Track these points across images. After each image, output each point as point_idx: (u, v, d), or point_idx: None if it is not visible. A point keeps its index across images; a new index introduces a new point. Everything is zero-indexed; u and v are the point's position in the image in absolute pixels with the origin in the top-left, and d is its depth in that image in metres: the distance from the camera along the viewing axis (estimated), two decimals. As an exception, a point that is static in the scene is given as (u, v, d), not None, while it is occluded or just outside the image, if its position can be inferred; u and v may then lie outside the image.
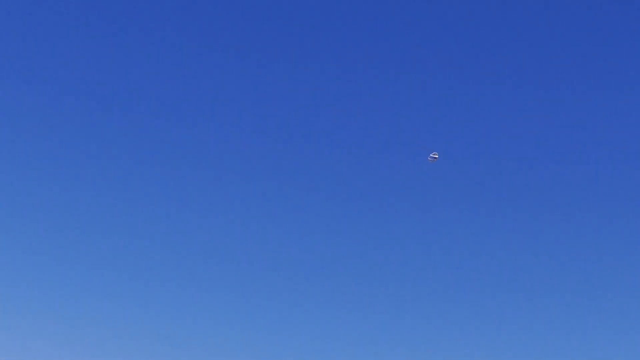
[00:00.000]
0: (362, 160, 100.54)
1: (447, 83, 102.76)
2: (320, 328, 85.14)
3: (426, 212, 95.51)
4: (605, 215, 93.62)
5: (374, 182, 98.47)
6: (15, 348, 77.67)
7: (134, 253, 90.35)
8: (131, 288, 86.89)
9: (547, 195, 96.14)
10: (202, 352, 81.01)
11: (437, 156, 64.10)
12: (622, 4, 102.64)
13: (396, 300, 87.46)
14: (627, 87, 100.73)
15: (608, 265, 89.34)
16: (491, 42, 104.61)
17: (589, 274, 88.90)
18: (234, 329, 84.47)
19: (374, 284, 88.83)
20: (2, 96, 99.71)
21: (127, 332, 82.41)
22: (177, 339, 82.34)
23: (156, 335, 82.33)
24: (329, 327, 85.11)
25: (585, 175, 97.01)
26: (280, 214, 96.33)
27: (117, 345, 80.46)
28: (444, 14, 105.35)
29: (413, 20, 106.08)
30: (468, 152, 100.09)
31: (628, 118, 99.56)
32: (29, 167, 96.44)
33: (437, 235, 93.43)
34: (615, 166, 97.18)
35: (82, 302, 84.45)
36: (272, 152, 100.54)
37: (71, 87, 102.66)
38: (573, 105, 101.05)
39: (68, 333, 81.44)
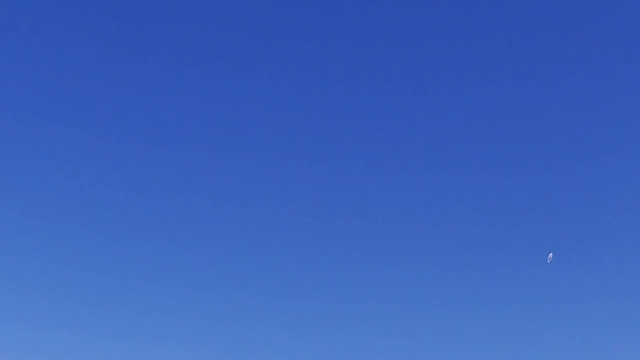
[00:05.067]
0: (361, 162, 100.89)
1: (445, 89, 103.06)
2: (319, 329, 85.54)
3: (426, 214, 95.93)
4: (606, 217, 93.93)
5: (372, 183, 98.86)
6: (15, 348, 78.06)
7: (133, 253, 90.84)
8: (130, 288, 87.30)
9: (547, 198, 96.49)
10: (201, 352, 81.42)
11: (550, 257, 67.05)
12: (622, 4, 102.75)
13: (395, 301, 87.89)
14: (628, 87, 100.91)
15: (608, 267, 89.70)
16: (491, 47, 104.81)
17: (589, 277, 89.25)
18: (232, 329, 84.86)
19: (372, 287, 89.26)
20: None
21: (126, 333, 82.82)
22: (176, 340, 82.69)
23: (156, 337, 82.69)
24: (328, 329, 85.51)
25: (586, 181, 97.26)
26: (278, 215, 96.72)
27: (116, 346, 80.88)
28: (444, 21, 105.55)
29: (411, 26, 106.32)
30: (467, 155, 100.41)
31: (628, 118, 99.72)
32: (28, 166, 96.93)
33: (436, 240, 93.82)
34: (616, 167, 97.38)
35: (81, 303, 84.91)
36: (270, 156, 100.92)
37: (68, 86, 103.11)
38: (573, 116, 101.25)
39: (67, 334, 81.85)
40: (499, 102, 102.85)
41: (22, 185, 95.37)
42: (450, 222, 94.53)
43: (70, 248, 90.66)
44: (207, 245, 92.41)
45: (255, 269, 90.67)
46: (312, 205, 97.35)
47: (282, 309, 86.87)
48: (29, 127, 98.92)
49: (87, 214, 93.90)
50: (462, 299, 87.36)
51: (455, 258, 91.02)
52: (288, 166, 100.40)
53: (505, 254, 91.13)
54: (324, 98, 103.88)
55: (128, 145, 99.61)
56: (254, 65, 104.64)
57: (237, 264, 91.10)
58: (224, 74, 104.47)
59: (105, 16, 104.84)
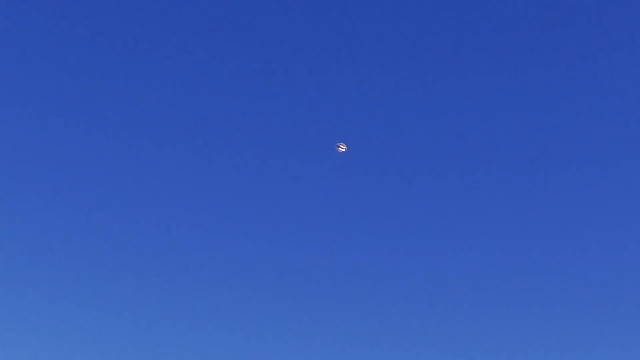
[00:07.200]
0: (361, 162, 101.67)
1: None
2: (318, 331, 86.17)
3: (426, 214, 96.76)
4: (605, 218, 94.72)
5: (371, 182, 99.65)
6: (15, 348, 78.71)
7: (132, 254, 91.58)
8: (129, 289, 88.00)
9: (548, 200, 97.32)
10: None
11: (343, 148, 64.60)
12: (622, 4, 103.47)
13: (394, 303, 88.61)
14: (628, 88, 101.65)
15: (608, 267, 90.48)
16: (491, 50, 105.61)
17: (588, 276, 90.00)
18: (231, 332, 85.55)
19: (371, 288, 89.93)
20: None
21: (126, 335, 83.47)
22: (175, 341, 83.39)
23: (155, 338, 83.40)
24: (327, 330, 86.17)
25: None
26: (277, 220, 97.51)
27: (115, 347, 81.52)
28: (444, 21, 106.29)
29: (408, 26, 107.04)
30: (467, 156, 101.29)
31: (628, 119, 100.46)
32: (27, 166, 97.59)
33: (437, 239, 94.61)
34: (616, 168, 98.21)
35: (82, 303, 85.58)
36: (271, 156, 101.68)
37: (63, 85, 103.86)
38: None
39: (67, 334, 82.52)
40: (496, 104, 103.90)
41: (20, 185, 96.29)
42: (450, 221, 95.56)
43: (70, 248, 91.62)
44: (206, 243, 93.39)
45: (258, 271, 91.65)
46: (311, 205, 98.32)
47: (282, 309, 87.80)
48: (27, 125, 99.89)
49: (86, 214, 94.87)
50: (463, 299, 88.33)
51: (455, 257, 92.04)
52: (287, 165, 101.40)
53: (505, 254, 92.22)
54: (324, 96, 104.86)
55: (127, 144, 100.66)
56: (252, 65, 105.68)
57: (237, 263, 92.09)
58: (224, 72, 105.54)
59: (104, 14, 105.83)
